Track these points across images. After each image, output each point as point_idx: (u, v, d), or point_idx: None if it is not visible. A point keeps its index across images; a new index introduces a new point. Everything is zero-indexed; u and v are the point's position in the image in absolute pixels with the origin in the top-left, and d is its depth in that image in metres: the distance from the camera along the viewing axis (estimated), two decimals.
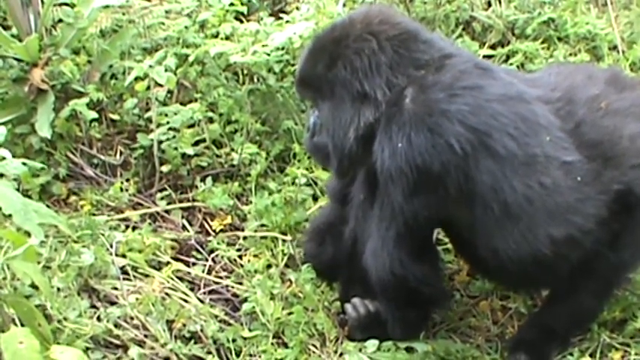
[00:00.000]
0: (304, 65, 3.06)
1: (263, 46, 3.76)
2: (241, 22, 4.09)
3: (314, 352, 3.13)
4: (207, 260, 3.51)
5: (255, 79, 3.96)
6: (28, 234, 2.72)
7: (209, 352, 3.10)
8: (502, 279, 3.21)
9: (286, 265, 3.46)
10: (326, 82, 2.96)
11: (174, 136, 3.77)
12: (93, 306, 3.18)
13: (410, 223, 2.91)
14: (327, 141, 3.01)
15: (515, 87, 2.96)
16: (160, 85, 3.75)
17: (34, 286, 3.00)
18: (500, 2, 4.54)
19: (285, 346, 3.15)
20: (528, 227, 2.89)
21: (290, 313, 3.21)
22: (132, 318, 3.14)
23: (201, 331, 3.15)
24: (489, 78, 2.93)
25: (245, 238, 3.57)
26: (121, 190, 3.71)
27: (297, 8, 4.10)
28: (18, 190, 3.08)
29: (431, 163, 2.81)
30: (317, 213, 3.51)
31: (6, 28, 3.98)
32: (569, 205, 2.90)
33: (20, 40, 3.77)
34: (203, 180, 3.78)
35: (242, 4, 4.02)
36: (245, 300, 3.29)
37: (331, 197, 3.33)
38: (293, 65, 3.89)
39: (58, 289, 3.14)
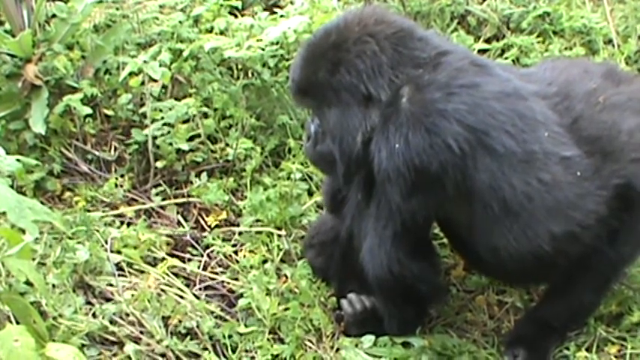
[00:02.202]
0: (302, 73, 3.00)
1: (257, 40, 3.75)
2: (235, 16, 4.08)
3: (310, 347, 3.13)
4: (202, 256, 3.50)
5: (250, 74, 3.96)
6: (23, 231, 2.71)
7: (205, 349, 3.10)
8: (500, 275, 3.21)
9: (282, 261, 3.45)
10: (330, 89, 2.92)
11: (168, 132, 3.76)
12: (88, 302, 3.18)
13: (407, 222, 2.89)
14: (332, 148, 2.98)
15: (512, 83, 2.94)
16: (155, 81, 3.74)
17: (29, 283, 3.00)
18: None
19: (282, 341, 3.15)
20: (528, 224, 2.88)
21: (286, 309, 3.20)
22: (127, 314, 3.14)
23: (197, 327, 3.14)
24: (486, 75, 2.91)
25: (240, 233, 3.57)
26: (116, 186, 3.71)
27: (292, 2, 4.10)
28: (12, 186, 3.08)
29: (429, 164, 2.79)
30: (318, 219, 3.48)
31: None
32: (569, 201, 2.89)
33: (13, 36, 3.76)
34: (198, 175, 3.77)
35: None
36: (241, 296, 3.29)
37: (328, 207, 3.32)
38: (288, 60, 3.88)
39: (53, 285, 3.14)
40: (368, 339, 3.12)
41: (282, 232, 3.52)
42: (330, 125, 2.97)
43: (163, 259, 3.42)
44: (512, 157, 2.83)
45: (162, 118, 3.77)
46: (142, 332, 3.10)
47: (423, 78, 2.85)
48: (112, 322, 3.10)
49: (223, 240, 3.54)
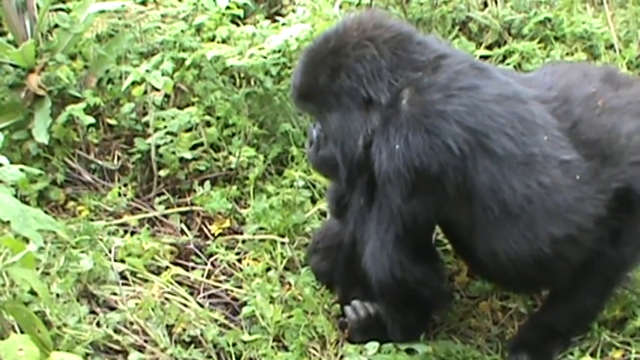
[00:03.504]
0: (303, 79, 3.02)
1: (260, 49, 3.76)
2: (237, 25, 4.09)
3: (314, 354, 3.13)
4: (206, 264, 3.50)
5: (252, 82, 3.96)
6: (27, 240, 2.72)
7: (209, 357, 3.10)
8: (502, 280, 3.21)
9: (285, 268, 3.45)
10: (330, 94, 2.94)
11: (171, 141, 3.77)
12: (92, 312, 3.18)
13: (409, 224, 2.90)
14: (334, 152, 3.00)
15: (512, 87, 2.95)
16: (157, 90, 3.75)
17: (33, 292, 3.01)
18: (496, 2, 4.55)
19: (286, 349, 3.15)
20: (528, 227, 2.88)
21: (290, 316, 3.20)
22: (131, 323, 3.14)
23: (201, 335, 3.15)
24: (485, 78, 2.92)
25: (244, 241, 3.57)
26: (119, 195, 3.71)
27: (293, 11, 4.11)
28: (16, 196, 3.08)
29: (429, 165, 2.80)
30: (323, 225, 3.48)
31: (2, 34, 3.99)
32: (569, 205, 2.90)
33: (16, 46, 3.78)
34: (201, 184, 3.78)
35: (238, 7, 4.02)
36: (245, 304, 3.29)
37: (333, 212, 3.32)
38: (290, 68, 3.89)
39: (57, 295, 3.14)
40: (372, 346, 3.11)
41: (286, 240, 3.52)
42: (331, 129, 2.99)
43: (167, 267, 3.42)
44: (512, 160, 2.84)
45: (165, 127, 3.78)
46: (146, 341, 3.10)
47: (422, 80, 2.86)
48: (116, 330, 3.10)
49: (227, 248, 3.54)
